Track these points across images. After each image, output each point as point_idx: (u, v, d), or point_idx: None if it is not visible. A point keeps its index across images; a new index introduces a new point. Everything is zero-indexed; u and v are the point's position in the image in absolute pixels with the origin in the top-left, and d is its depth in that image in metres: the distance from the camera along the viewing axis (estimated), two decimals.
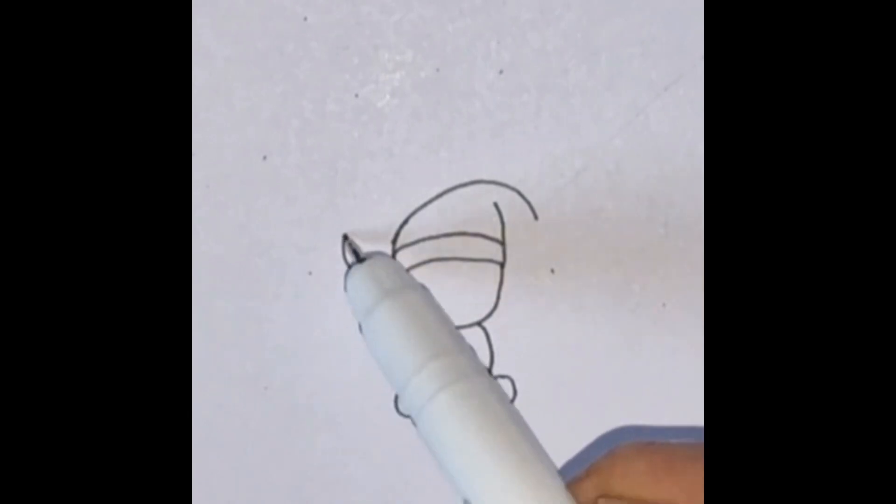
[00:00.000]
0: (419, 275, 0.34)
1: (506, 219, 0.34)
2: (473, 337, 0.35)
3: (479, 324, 0.35)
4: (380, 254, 0.34)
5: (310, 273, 0.34)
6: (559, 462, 0.37)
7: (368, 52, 0.33)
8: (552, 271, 0.35)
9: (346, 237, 0.34)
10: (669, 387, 0.35)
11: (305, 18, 0.33)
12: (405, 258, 0.34)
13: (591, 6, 0.33)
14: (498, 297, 0.35)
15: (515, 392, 0.36)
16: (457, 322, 0.35)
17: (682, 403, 0.35)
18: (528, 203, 0.34)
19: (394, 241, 0.34)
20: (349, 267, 0.33)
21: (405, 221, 0.34)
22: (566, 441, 0.33)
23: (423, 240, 0.34)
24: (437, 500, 0.36)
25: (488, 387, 0.30)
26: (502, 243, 0.35)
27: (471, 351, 0.31)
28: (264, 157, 0.33)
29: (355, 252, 0.33)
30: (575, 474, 0.28)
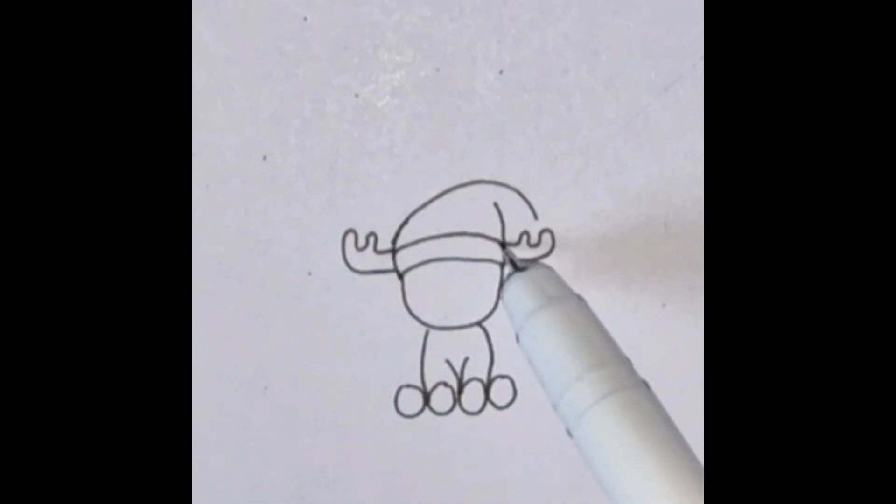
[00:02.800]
0: (419, 274, 0.34)
1: (506, 219, 0.34)
2: (473, 337, 0.35)
3: (479, 324, 0.35)
4: (539, 264, 0.34)
5: (310, 273, 0.34)
6: (559, 461, 0.37)
7: (368, 52, 0.33)
8: None
9: (504, 245, 0.34)
10: (669, 387, 0.35)
11: (305, 18, 0.33)
12: (405, 258, 0.34)
13: (591, 6, 0.33)
14: (498, 297, 0.35)
15: (515, 392, 0.36)
16: (457, 322, 0.35)
17: (682, 404, 0.35)
18: (529, 203, 0.34)
19: (394, 241, 0.34)
20: (509, 275, 0.33)
21: (405, 221, 0.34)
22: (566, 441, 0.33)
23: (423, 240, 0.34)
24: (437, 500, 0.36)
25: (649, 399, 0.30)
26: (502, 243, 0.35)
27: (629, 363, 0.31)
28: (264, 157, 0.33)
29: (513, 262, 0.33)
30: None
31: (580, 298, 0.33)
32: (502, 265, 0.35)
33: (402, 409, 0.35)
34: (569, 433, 0.30)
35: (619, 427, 0.29)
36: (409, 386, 0.35)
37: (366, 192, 0.34)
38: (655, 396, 0.30)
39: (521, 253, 0.35)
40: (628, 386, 0.30)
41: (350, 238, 0.34)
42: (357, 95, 0.33)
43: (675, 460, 0.29)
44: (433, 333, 0.35)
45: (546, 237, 0.34)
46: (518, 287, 0.32)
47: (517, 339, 0.32)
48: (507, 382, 0.36)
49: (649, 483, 0.28)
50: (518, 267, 0.33)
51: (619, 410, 0.29)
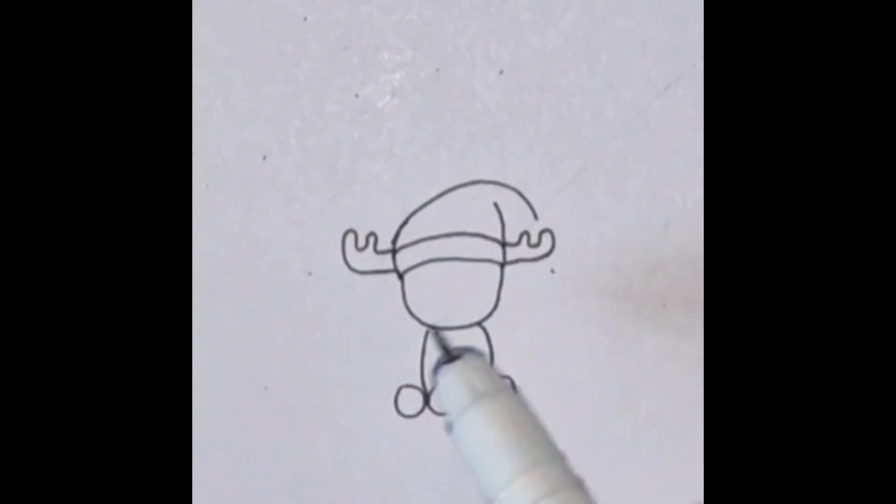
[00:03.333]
0: (419, 274, 0.34)
1: (506, 219, 0.34)
2: (474, 337, 0.35)
3: (479, 324, 0.35)
4: (470, 350, 0.34)
5: (310, 273, 0.34)
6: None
7: (368, 52, 0.33)
8: (552, 271, 0.35)
9: (435, 331, 0.34)
10: (669, 387, 0.35)
11: (305, 18, 0.33)
12: (405, 258, 0.34)
13: (591, 6, 0.33)
14: (498, 297, 0.35)
15: (515, 392, 0.36)
16: (457, 322, 0.35)
17: (682, 404, 0.35)
18: (529, 203, 0.34)
19: (394, 241, 0.34)
20: (439, 365, 0.33)
21: (405, 221, 0.34)
22: (566, 441, 0.33)
23: (423, 240, 0.34)
24: (438, 500, 0.36)
25: (584, 500, 0.30)
26: (502, 243, 0.35)
27: (562, 459, 0.31)
28: (264, 157, 0.33)
29: (446, 349, 0.33)
30: None
31: (512, 390, 0.33)
32: (502, 265, 0.35)
33: (402, 409, 0.35)
34: None
35: None
36: (409, 386, 0.35)
37: (366, 192, 0.34)
38: (590, 496, 0.30)
39: (521, 253, 0.34)
40: (561, 489, 0.29)
41: (350, 238, 0.34)
42: (357, 95, 0.33)
43: None
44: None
45: (546, 237, 0.34)
46: (448, 381, 0.32)
47: (447, 431, 0.32)
48: (506, 382, 0.36)
49: None
50: (450, 355, 0.33)
51: None
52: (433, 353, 0.35)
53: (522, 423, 0.31)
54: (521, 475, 0.30)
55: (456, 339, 0.35)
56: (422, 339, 0.35)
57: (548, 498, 0.29)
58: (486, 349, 0.35)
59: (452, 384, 0.32)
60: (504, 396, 0.32)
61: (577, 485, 0.30)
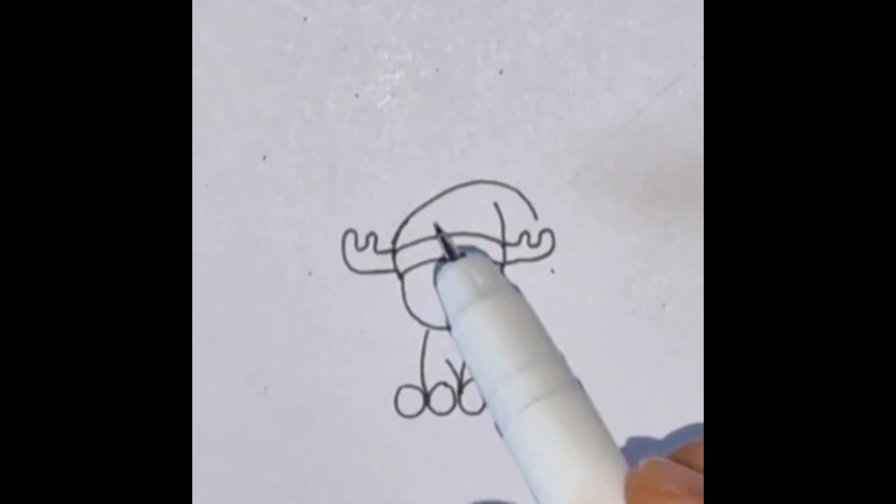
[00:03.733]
0: (419, 274, 0.34)
1: (506, 219, 0.34)
2: None
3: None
4: (476, 252, 0.34)
5: (310, 273, 0.34)
6: None
7: (368, 52, 0.33)
8: (552, 271, 0.35)
9: (439, 230, 0.33)
10: (669, 387, 0.35)
11: (305, 18, 0.33)
12: (405, 258, 0.34)
13: (591, 6, 0.33)
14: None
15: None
16: None
17: (683, 404, 0.35)
18: (529, 203, 0.34)
19: (394, 241, 0.34)
20: (442, 262, 0.33)
21: (405, 221, 0.34)
22: None
23: (423, 240, 0.34)
24: (437, 500, 0.36)
25: (579, 402, 0.30)
26: (502, 243, 0.35)
27: (562, 361, 0.31)
28: (264, 157, 0.33)
29: (450, 248, 0.33)
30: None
31: (516, 291, 0.32)
32: (502, 265, 0.35)
33: (402, 409, 0.35)
34: (498, 432, 0.30)
35: (548, 432, 0.29)
36: (409, 386, 0.35)
37: (366, 192, 0.34)
38: (587, 397, 0.30)
39: (521, 253, 0.35)
40: (558, 389, 0.29)
41: (350, 238, 0.34)
42: (357, 95, 0.33)
43: (602, 466, 0.29)
44: (433, 333, 0.35)
45: (546, 237, 0.34)
46: (450, 278, 0.32)
47: (449, 331, 0.32)
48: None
49: (574, 488, 0.28)
50: (453, 255, 0.33)
51: (548, 415, 0.29)
52: (433, 353, 0.35)
53: (523, 322, 0.31)
54: (520, 373, 0.30)
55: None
56: (422, 339, 0.35)
57: (546, 398, 0.29)
58: None
59: (454, 280, 0.32)
60: (505, 295, 0.32)
61: (575, 386, 0.30)
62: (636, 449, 0.35)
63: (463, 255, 0.33)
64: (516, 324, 0.31)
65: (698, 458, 0.28)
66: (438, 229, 0.34)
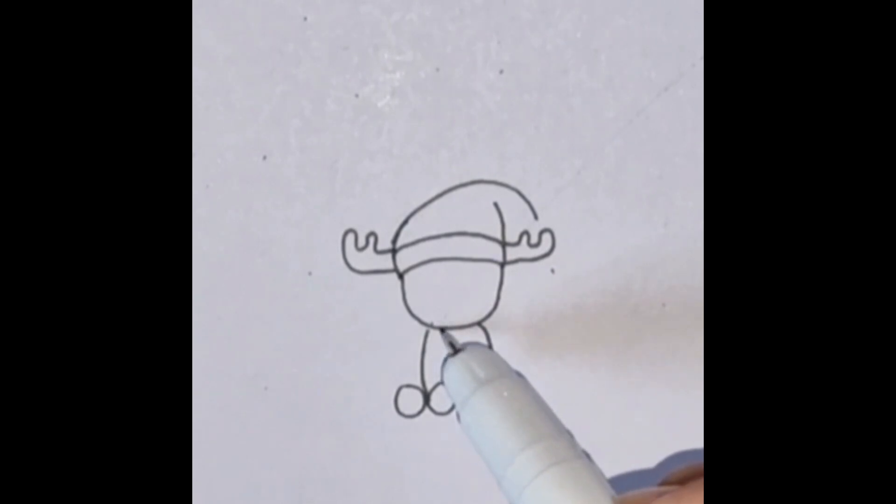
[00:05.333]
0: (419, 274, 0.34)
1: (506, 219, 0.34)
2: (474, 337, 0.35)
3: (479, 324, 0.35)
4: (474, 344, 0.34)
5: (310, 273, 0.34)
6: None
7: (368, 52, 0.33)
8: (552, 271, 0.35)
9: (443, 330, 0.34)
10: (669, 387, 0.35)
11: (305, 18, 0.33)
12: (405, 258, 0.34)
13: (591, 6, 0.33)
14: (498, 297, 0.35)
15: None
16: (457, 322, 0.35)
17: (682, 403, 0.35)
18: (529, 203, 0.34)
19: (394, 241, 0.34)
20: (446, 358, 0.34)
21: (405, 221, 0.34)
22: None
23: (423, 240, 0.34)
24: (437, 500, 0.36)
25: (589, 470, 0.30)
26: (502, 243, 0.35)
27: (569, 435, 0.31)
28: (264, 157, 0.33)
29: (451, 344, 0.34)
30: None
31: (518, 376, 0.33)
32: (502, 265, 0.35)
33: (402, 409, 0.35)
34: None
35: (558, 498, 0.29)
36: (409, 386, 0.35)
37: (366, 192, 0.34)
38: (596, 467, 0.30)
39: (521, 253, 0.35)
40: (566, 459, 0.30)
41: (350, 238, 0.34)
42: (357, 95, 0.33)
43: None
44: (433, 333, 0.35)
45: (546, 237, 0.34)
46: (453, 371, 0.33)
47: (459, 421, 0.33)
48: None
49: None
50: (455, 349, 0.33)
51: (557, 483, 0.29)
52: (433, 353, 0.35)
53: (525, 404, 0.31)
54: (525, 450, 0.30)
55: (456, 339, 0.35)
56: (422, 339, 0.35)
57: (553, 468, 0.29)
58: None
59: (456, 375, 0.33)
60: (505, 381, 0.32)
61: (582, 456, 0.30)
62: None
63: (463, 349, 0.34)
64: (518, 406, 0.31)
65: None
66: (434, 326, 0.35)
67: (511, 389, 0.32)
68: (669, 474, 0.31)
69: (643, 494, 0.29)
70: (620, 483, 0.30)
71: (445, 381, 0.33)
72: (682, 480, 0.29)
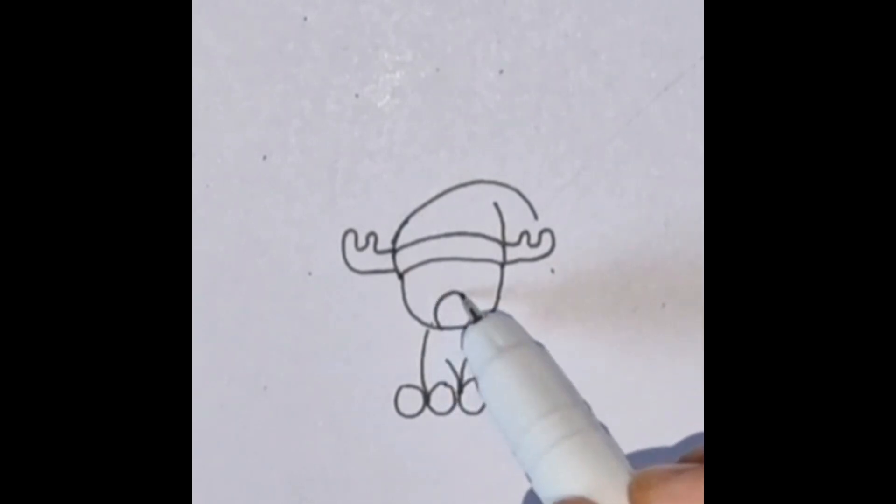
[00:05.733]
0: (419, 274, 0.34)
1: (506, 219, 0.34)
2: None
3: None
4: (498, 312, 0.34)
5: (310, 273, 0.34)
6: None
7: (368, 52, 0.33)
8: (552, 271, 0.35)
9: (463, 296, 0.34)
10: (669, 387, 0.35)
11: (305, 18, 0.33)
12: (405, 258, 0.34)
13: (591, 6, 0.33)
14: (498, 297, 0.35)
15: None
16: (457, 322, 0.35)
17: (682, 404, 0.35)
18: (529, 203, 0.34)
19: (394, 241, 0.34)
20: (466, 325, 0.34)
21: (405, 221, 0.34)
22: None
23: (423, 240, 0.34)
24: (438, 500, 0.36)
25: (605, 442, 0.30)
26: (502, 243, 0.35)
27: (586, 406, 0.31)
28: (264, 157, 0.33)
29: (472, 311, 0.34)
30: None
31: (537, 345, 0.33)
32: (502, 265, 0.35)
33: (402, 409, 0.35)
34: (528, 478, 0.30)
35: (574, 468, 0.29)
36: (409, 386, 0.35)
37: (366, 192, 0.34)
38: (613, 439, 0.30)
39: (521, 253, 0.35)
40: (583, 429, 0.30)
41: (350, 238, 0.34)
42: (357, 95, 0.33)
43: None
44: (433, 333, 0.35)
45: (546, 237, 0.34)
46: (473, 338, 0.33)
47: (476, 387, 0.33)
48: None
49: None
50: (476, 316, 0.33)
51: (574, 453, 0.29)
52: (433, 353, 0.35)
53: (542, 373, 0.31)
54: (541, 418, 0.30)
55: (456, 339, 0.35)
56: (422, 339, 0.35)
57: (570, 437, 0.29)
58: None
59: (476, 342, 0.33)
60: (524, 349, 0.32)
61: (599, 427, 0.30)
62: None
63: (483, 316, 0.34)
64: (536, 375, 0.31)
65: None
66: (463, 295, 0.34)
67: (530, 357, 0.32)
68: (691, 452, 0.31)
69: (663, 470, 0.28)
70: (633, 460, 0.30)
71: (465, 347, 0.33)
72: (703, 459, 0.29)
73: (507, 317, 0.34)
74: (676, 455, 0.35)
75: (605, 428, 0.31)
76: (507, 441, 0.31)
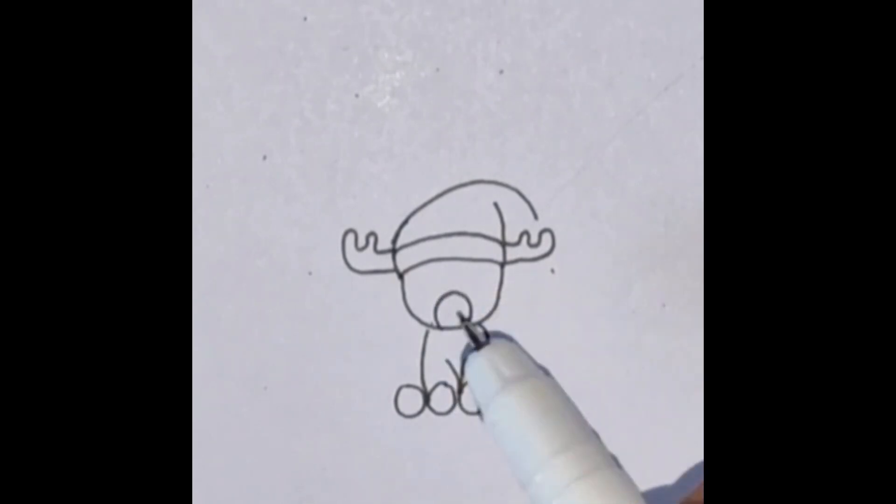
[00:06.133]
0: (419, 274, 0.34)
1: (506, 219, 0.34)
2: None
3: (479, 324, 0.35)
4: (500, 339, 0.34)
5: (310, 273, 0.34)
6: None
7: (368, 52, 0.33)
8: (552, 271, 0.35)
9: (463, 319, 0.34)
10: (669, 387, 0.35)
11: (305, 18, 0.33)
12: (405, 258, 0.34)
13: (591, 6, 0.33)
14: (498, 297, 0.35)
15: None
16: (457, 322, 0.35)
17: (682, 404, 0.35)
18: (529, 203, 0.34)
19: (394, 241, 0.34)
20: (468, 352, 0.33)
21: (405, 221, 0.34)
22: None
23: (423, 240, 0.34)
24: (438, 500, 0.36)
25: (620, 480, 0.30)
26: (502, 243, 0.35)
27: (596, 438, 0.31)
28: (264, 157, 0.33)
29: (474, 337, 0.33)
30: None
31: (543, 374, 0.33)
32: (502, 265, 0.35)
33: (402, 409, 0.35)
34: None
35: None
36: (409, 386, 0.35)
37: (366, 192, 0.34)
38: (627, 475, 0.30)
39: (521, 253, 0.35)
40: (598, 467, 0.29)
41: (350, 238, 0.34)
42: (357, 95, 0.33)
43: None
44: (433, 333, 0.35)
45: (546, 237, 0.34)
46: (476, 367, 0.33)
47: (480, 418, 0.32)
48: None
49: None
50: (478, 343, 0.33)
51: (590, 494, 0.29)
52: (433, 353, 0.35)
53: (552, 406, 0.31)
54: (554, 457, 0.29)
55: (456, 339, 0.35)
56: (422, 339, 0.35)
57: (584, 478, 0.29)
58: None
59: (480, 372, 0.32)
60: (532, 381, 0.32)
61: (612, 463, 0.30)
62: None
63: (487, 341, 0.33)
64: (546, 409, 0.31)
65: None
66: (463, 318, 0.34)
67: (540, 390, 0.31)
68: (696, 489, 0.31)
69: None
70: (633, 460, 0.30)
71: (468, 377, 0.33)
72: None
73: (511, 344, 0.34)
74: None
75: (616, 461, 0.30)
76: (516, 474, 0.31)
